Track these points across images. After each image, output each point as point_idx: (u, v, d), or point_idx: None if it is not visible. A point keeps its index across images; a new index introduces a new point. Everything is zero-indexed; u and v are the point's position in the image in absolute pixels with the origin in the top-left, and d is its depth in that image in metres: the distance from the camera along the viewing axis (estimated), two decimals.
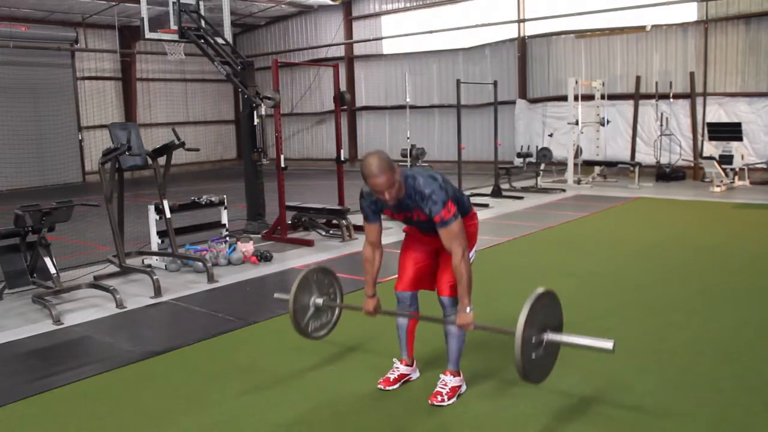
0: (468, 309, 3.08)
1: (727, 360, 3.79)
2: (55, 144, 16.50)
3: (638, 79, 13.69)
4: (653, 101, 13.30)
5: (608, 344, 2.79)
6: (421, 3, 17.07)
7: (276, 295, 3.76)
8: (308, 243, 7.61)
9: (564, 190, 11.82)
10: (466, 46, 16.52)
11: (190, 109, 20.19)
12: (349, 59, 18.83)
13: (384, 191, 2.99)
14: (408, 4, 17.37)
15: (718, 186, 11.21)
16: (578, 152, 12.99)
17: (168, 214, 6.43)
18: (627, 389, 3.39)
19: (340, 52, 18.69)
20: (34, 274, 5.59)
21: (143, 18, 8.44)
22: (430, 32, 16.40)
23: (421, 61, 17.44)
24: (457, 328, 3.19)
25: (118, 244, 5.94)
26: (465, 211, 3.35)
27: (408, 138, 10.30)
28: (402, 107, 15.25)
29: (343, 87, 12.57)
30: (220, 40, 8.65)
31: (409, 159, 10.23)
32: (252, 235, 7.62)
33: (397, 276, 3.49)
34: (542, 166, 12.30)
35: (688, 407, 3.19)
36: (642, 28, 13.55)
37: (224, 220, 7.32)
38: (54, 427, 3.25)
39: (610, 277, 5.83)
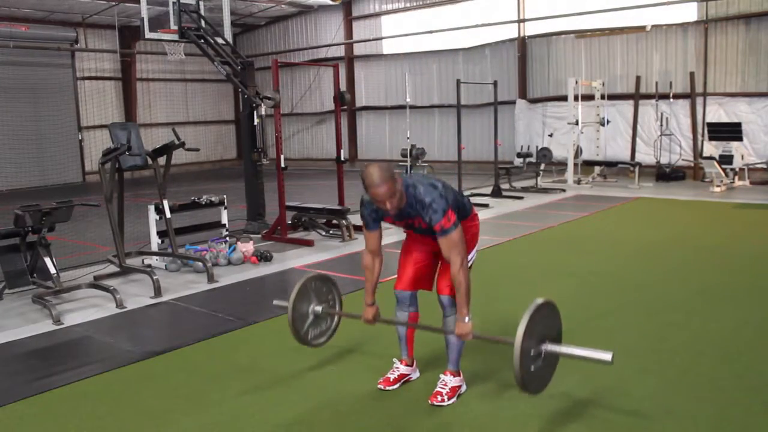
0: (467, 319, 3.10)
1: (727, 360, 3.79)
2: (55, 144, 16.51)
3: (638, 79, 13.69)
4: (653, 101, 13.30)
5: (607, 356, 2.80)
6: (421, 3, 17.07)
7: (275, 302, 3.78)
8: (308, 243, 7.61)
9: (564, 190, 11.82)
10: (466, 46, 16.52)
11: (190, 109, 20.19)
12: (349, 59, 18.83)
13: (385, 201, 3.00)
14: (408, 4, 17.37)
15: (718, 186, 11.21)
16: (578, 152, 12.99)
17: (168, 214, 6.43)
18: (627, 389, 3.39)
19: (340, 52, 18.69)
20: (34, 274, 5.59)
21: (143, 18, 8.44)
22: (430, 32, 16.40)
23: (421, 61, 17.44)
24: (456, 333, 3.19)
25: (118, 244, 5.94)
26: (466, 212, 3.36)
27: (408, 138, 10.31)
28: (402, 107, 15.25)
29: (343, 87, 12.57)
30: (220, 40, 8.65)
31: (409, 159, 10.23)
32: (252, 235, 7.62)
33: (396, 276, 3.49)
34: (542, 166, 12.31)
35: (688, 407, 3.19)
36: (642, 28, 13.55)
37: (224, 220, 7.32)
38: (54, 427, 3.25)
39: (610, 277, 5.83)
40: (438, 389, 3.34)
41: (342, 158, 8.66)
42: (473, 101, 15.99)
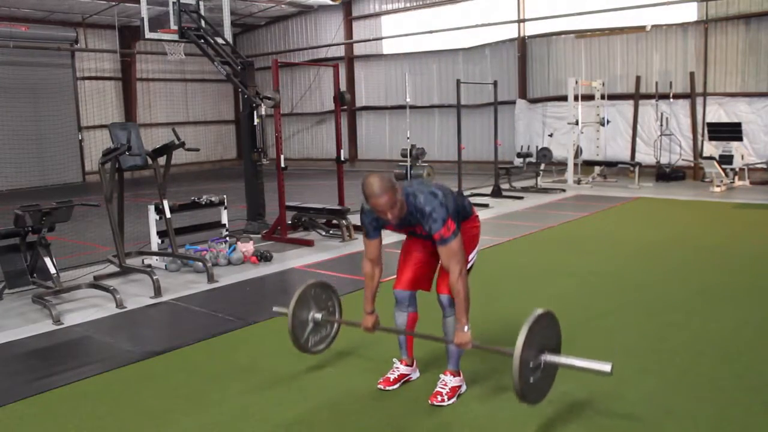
0: (466, 328, 3.10)
1: (727, 360, 3.79)
2: (55, 144, 16.51)
3: (638, 79, 13.69)
4: (653, 101, 13.30)
5: (606, 367, 2.80)
6: (421, 3, 17.07)
7: (275, 309, 3.79)
8: (308, 243, 7.61)
9: (564, 190, 11.82)
10: (466, 46, 16.52)
11: (190, 109, 20.19)
12: (349, 59, 18.83)
13: (386, 211, 3.01)
14: (408, 4, 17.37)
15: (718, 186, 11.21)
16: (578, 152, 12.99)
17: (168, 214, 6.43)
18: (627, 389, 3.38)
19: (340, 52, 18.69)
20: (34, 274, 5.59)
21: (143, 18, 8.43)
22: (430, 32, 16.40)
23: (421, 61, 17.44)
24: (455, 343, 3.19)
25: (118, 244, 5.94)
26: (467, 214, 3.37)
27: (408, 138, 10.29)
28: (402, 107, 15.24)
29: (343, 87, 12.57)
30: (220, 40, 8.65)
31: (409, 159, 10.23)
32: (252, 235, 7.62)
33: (395, 276, 3.49)
34: (542, 166, 12.30)
35: (688, 407, 3.19)
36: (642, 28, 13.55)
37: (224, 220, 7.32)
38: (54, 427, 3.25)
39: (610, 277, 5.83)
40: (438, 389, 3.34)
41: (342, 158, 8.66)
42: (473, 101, 15.98)
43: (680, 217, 8.95)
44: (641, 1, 13.22)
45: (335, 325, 3.77)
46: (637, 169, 12.20)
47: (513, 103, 15.65)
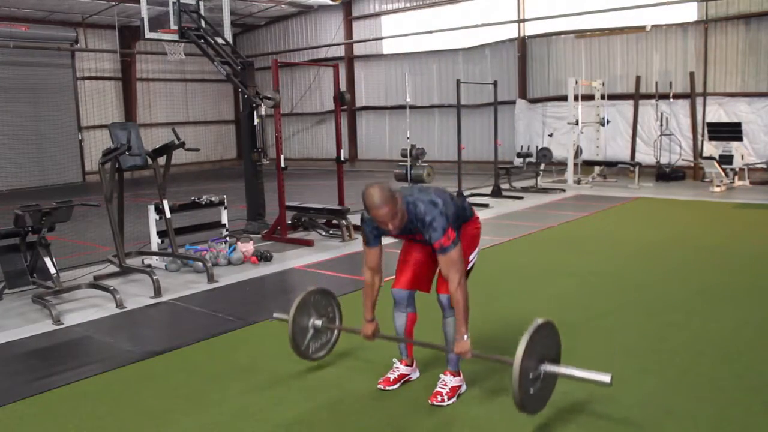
0: (465, 336, 3.11)
1: (727, 360, 3.79)
2: (55, 144, 16.51)
3: (638, 79, 13.70)
4: (653, 101, 13.30)
5: (605, 378, 2.81)
6: (421, 3, 17.07)
7: (275, 315, 3.80)
8: (308, 243, 7.61)
9: (564, 190, 11.82)
10: (466, 46, 16.52)
11: (190, 109, 20.20)
12: (349, 59, 18.83)
13: (387, 222, 3.02)
14: (408, 4, 17.37)
15: (718, 186, 11.21)
16: (578, 152, 12.99)
17: (168, 214, 6.43)
18: (627, 389, 3.38)
19: (340, 52, 18.69)
20: (34, 274, 5.59)
21: (143, 18, 8.44)
22: (430, 32, 16.40)
23: (421, 61, 17.44)
24: (455, 352, 3.20)
25: (118, 244, 5.94)
26: (467, 216, 3.38)
27: (408, 138, 10.29)
28: (402, 107, 15.25)
29: (343, 87, 12.56)
30: (220, 40, 8.65)
31: (409, 159, 10.22)
32: (252, 235, 7.62)
33: (394, 276, 3.49)
34: (542, 166, 12.30)
35: (688, 407, 3.19)
36: (642, 28, 13.55)
37: (224, 220, 7.32)
38: (54, 427, 3.25)
39: (610, 277, 5.83)
40: (438, 389, 3.34)
41: (342, 158, 8.66)
42: (473, 101, 15.98)
43: (680, 217, 8.95)
44: (641, 1, 13.22)
45: (335, 332, 3.78)
46: (637, 169, 12.20)
47: (513, 103, 15.65)
